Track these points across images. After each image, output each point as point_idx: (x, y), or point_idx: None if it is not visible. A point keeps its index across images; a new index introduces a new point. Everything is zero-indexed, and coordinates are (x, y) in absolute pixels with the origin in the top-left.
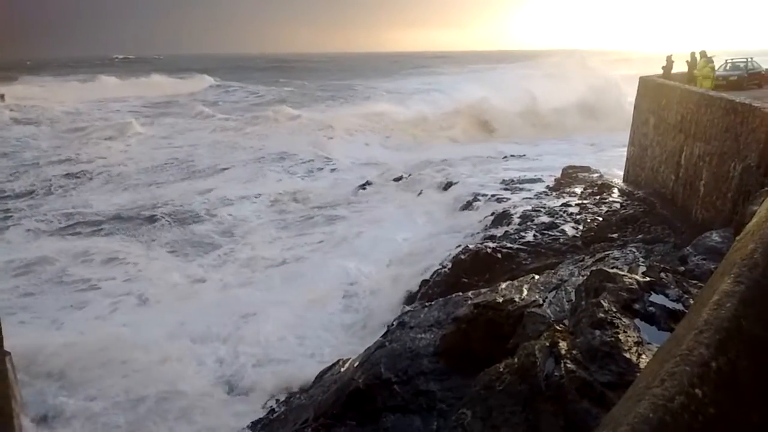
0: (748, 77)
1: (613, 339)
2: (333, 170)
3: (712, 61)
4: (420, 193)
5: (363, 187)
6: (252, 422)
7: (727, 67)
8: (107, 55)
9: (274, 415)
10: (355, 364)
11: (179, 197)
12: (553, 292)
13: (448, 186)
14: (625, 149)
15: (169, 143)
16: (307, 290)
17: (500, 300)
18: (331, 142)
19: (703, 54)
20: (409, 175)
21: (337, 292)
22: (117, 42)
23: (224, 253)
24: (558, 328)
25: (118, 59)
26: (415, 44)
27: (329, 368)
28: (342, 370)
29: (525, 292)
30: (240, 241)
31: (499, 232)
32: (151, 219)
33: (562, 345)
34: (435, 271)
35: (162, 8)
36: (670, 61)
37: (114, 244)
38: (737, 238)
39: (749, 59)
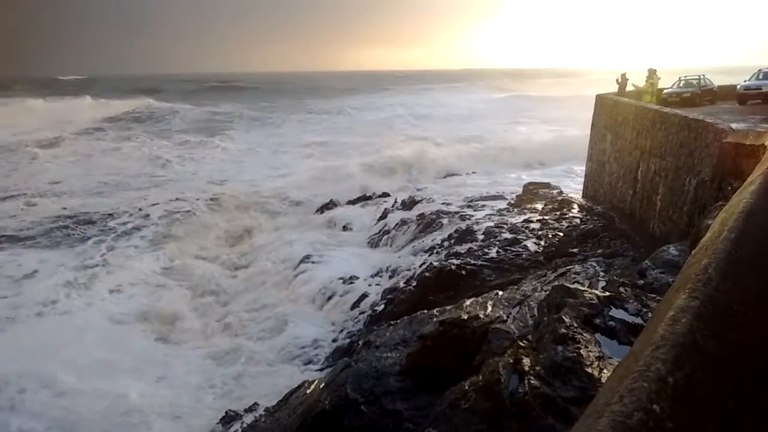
0: (701, 94)
1: (575, 354)
2: None
3: (654, 77)
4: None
5: None
6: None
7: (681, 84)
8: (53, 76)
9: None
10: (321, 386)
11: None
12: (517, 308)
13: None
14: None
15: None
16: None
17: (465, 317)
18: None
19: (650, 71)
20: None
21: None
22: (76, 61)
23: None
24: (521, 344)
25: (61, 80)
26: (379, 63)
27: (295, 390)
28: (308, 391)
29: (489, 309)
30: None
31: (463, 248)
32: None
33: (526, 361)
34: (399, 289)
35: (125, 28)
36: (624, 78)
37: None
38: (692, 252)
39: (702, 76)
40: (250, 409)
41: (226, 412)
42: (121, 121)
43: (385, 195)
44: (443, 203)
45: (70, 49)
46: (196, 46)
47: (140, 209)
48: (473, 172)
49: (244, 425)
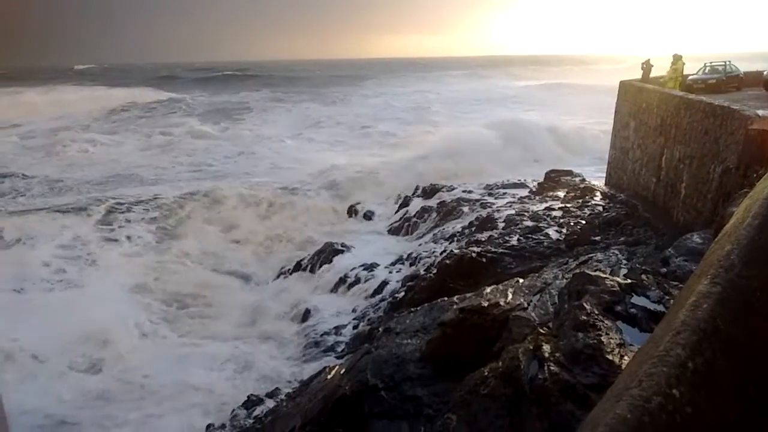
0: (726, 80)
1: (595, 341)
2: None
3: (679, 63)
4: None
5: None
6: (239, 429)
7: (706, 71)
8: (70, 66)
9: (261, 424)
10: (342, 371)
11: None
12: (538, 296)
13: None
14: None
15: None
16: None
17: (485, 304)
18: None
19: (675, 57)
20: None
21: None
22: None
23: None
24: (541, 331)
25: (71, 71)
26: (400, 50)
27: (315, 375)
28: (328, 377)
29: (510, 296)
30: None
31: (483, 236)
32: None
33: (546, 348)
34: (420, 276)
35: (137, 17)
36: (648, 65)
37: None
38: (715, 239)
39: (727, 62)
40: (271, 394)
41: (248, 397)
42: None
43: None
44: (464, 191)
45: (85, 39)
46: (200, 33)
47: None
48: None
49: (266, 409)
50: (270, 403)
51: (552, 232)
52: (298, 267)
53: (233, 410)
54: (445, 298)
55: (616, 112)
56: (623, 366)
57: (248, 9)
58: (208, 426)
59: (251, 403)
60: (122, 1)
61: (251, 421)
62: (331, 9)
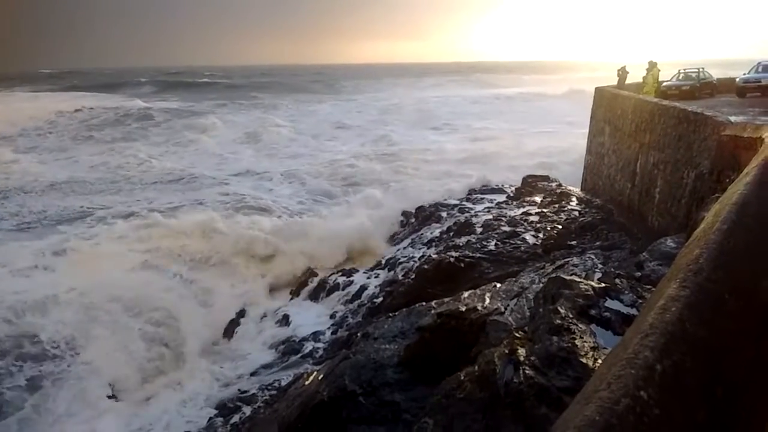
0: (700, 87)
1: (569, 345)
2: None
3: (654, 70)
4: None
5: None
6: None
7: (680, 77)
8: (35, 69)
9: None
10: (320, 377)
11: None
12: (515, 300)
13: None
14: None
15: None
16: None
17: (463, 309)
18: None
19: (651, 64)
20: None
21: None
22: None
23: None
24: (517, 335)
25: (43, 73)
26: (373, 56)
27: (293, 381)
28: (306, 383)
29: (487, 301)
30: None
31: (461, 241)
32: None
33: (521, 352)
34: (398, 282)
35: (113, 21)
36: (624, 71)
37: None
38: (686, 243)
39: (701, 69)
40: (248, 401)
41: (225, 404)
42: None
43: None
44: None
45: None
46: (178, 37)
47: None
48: None
49: (243, 416)
50: (247, 410)
51: (529, 237)
52: None
53: (210, 418)
54: (423, 303)
55: (591, 117)
56: (596, 369)
57: (211, 14)
58: None
59: (228, 410)
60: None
61: (228, 428)
62: (301, 15)
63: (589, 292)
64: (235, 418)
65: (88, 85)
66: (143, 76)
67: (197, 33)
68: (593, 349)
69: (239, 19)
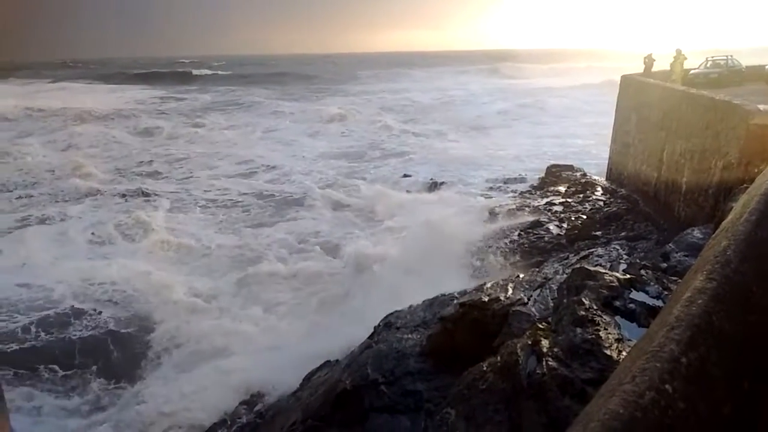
0: (728, 75)
1: (593, 336)
2: None
3: (681, 58)
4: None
5: None
6: (240, 425)
7: (708, 65)
8: (66, 59)
9: (262, 419)
10: (342, 366)
11: None
12: (538, 291)
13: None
14: None
15: None
16: None
17: (486, 299)
18: None
19: (678, 52)
20: None
21: None
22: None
23: None
24: (540, 326)
25: (70, 64)
26: (394, 45)
27: (316, 370)
28: (329, 372)
29: (510, 291)
30: None
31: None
32: None
33: (544, 343)
34: None
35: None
36: (650, 59)
37: None
38: (713, 235)
39: (729, 57)
40: (273, 390)
41: (250, 394)
42: None
43: None
44: (464, 185)
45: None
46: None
47: None
48: None
49: (267, 405)
50: (271, 399)
51: (553, 227)
52: None
53: (235, 409)
54: (446, 293)
55: (617, 106)
56: (621, 361)
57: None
58: None
59: (252, 398)
60: None
61: (252, 415)
62: (322, 5)
63: (613, 284)
64: (259, 406)
65: (127, 76)
66: (185, 67)
67: (216, 22)
68: (617, 341)
69: (260, 9)
